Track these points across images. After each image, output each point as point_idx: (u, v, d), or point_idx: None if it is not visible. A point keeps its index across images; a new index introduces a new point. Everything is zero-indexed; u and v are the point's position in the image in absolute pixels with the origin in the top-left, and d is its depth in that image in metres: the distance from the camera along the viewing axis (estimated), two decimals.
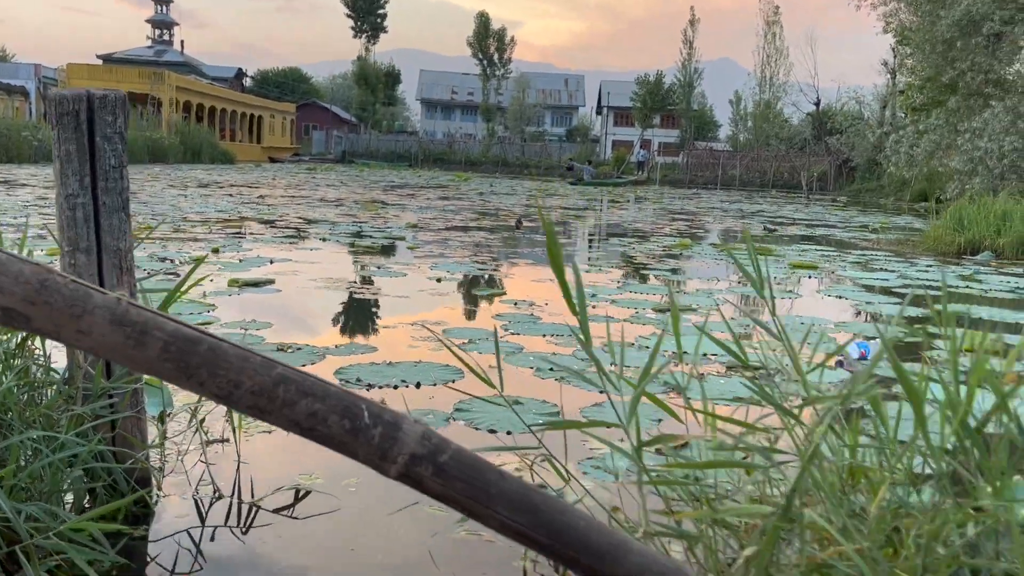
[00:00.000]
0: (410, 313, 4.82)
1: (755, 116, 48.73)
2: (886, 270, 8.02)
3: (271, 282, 5.57)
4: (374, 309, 5.06)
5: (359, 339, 4.12)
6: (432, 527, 2.00)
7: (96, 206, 1.79)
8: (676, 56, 50.39)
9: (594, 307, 5.13)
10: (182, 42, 65.03)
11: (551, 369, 3.48)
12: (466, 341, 4.01)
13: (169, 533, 1.95)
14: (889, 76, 36.90)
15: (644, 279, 6.73)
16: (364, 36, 59.85)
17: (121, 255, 1.86)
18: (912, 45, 23.08)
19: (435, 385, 3.25)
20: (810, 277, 7.32)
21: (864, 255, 9.50)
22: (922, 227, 13.57)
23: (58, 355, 2.08)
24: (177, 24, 65.22)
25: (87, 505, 1.92)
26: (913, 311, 5.52)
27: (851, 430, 1.55)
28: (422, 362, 3.57)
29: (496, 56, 57.01)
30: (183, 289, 2.17)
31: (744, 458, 1.59)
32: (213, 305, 4.61)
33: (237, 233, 8.80)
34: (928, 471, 1.46)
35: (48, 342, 1.95)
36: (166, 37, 64.50)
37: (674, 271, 7.44)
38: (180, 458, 2.34)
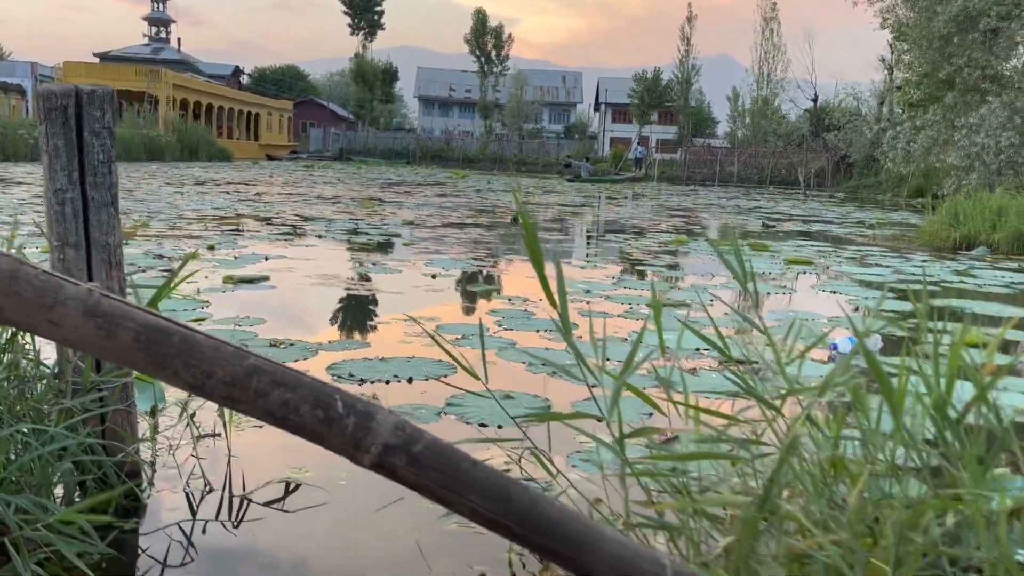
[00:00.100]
0: (404, 309, 4.83)
1: (753, 112, 48.74)
2: (881, 265, 8.04)
3: (266, 279, 5.58)
4: (368, 305, 5.07)
5: (352, 335, 4.13)
6: (422, 519, 2.02)
7: (85, 201, 1.80)
8: (674, 53, 50.40)
9: (588, 303, 5.14)
10: (179, 40, 64.97)
11: (543, 364, 3.49)
12: (459, 337, 4.02)
13: (160, 526, 1.96)
14: (886, 72, 36.94)
15: (640, 275, 6.75)
16: (361, 33, 59.79)
17: (110, 250, 1.87)
18: (909, 41, 23.09)
19: (427, 380, 3.27)
20: (805, 273, 7.33)
21: (860, 251, 9.52)
22: (918, 223, 13.58)
23: (48, 349, 2.09)
24: (174, 22, 65.12)
25: (77, 499, 1.93)
26: (909, 306, 5.53)
27: (835, 422, 1.56)
28: (415, 358, 3.58)
29: (494, 53, 56.97)
30: (173, 284, 2.18)
31: (730, 450, 1.61)
32: (207, 302, 4.62)
33: (233, 230, 8.81)
34: (910, 463, 1.48)
35: (39, 336, 1.96)
36: (163, 35, 64.41)
37: (670, 267, 7.45)
38: (171, 452, 2.35)
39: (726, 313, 4.86)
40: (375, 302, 5.13)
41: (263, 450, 2.48)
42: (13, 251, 2.01)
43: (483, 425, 2.75)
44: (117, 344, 0.85)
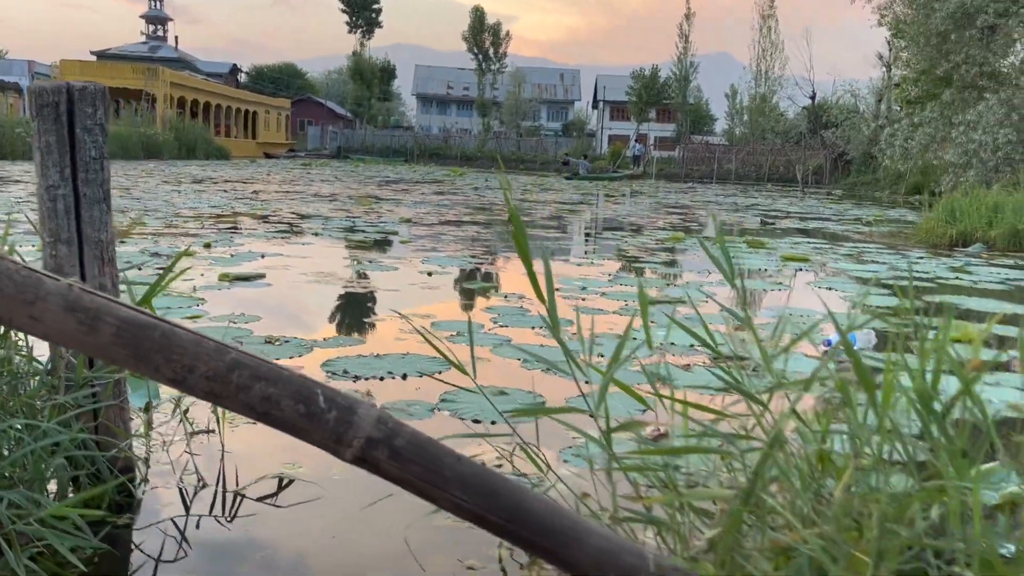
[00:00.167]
0: (400, 306, 4.84)
1: (751, 110, 48.76)
2: (877, 262, 8.06)
3: (262, 276, 5.59)
4: (364, 303, 5.08)
5: (348, 332, 4.14)
6: (414, 514, 2.02)
7: (77, 197, 1.81)
8: (673, 51, 50.41)
9: (583, 300, 5.16)
10: (176, 38, 64.94)
11: (537, 360, 3.50)
12: (453, 333, 4.03)
13: (154, 521, 1.97)
14: (884, 69, 36.95)
15: (637, 272, 6.76)
16: (359, 31, 59.69)
17: (103, 246, 1.88)
18: (907, 38, 23.11)
19: (421, 376, 3.28)
20: (801, 270, 7.35)
21: (856, 247, 9.54)
22: (915, 220, 13.60)
23: (42, 346, 2.09)
24: (171, 20, 65.05)
25: (71, 494, 1.94)
26: (907, 303, 5.55)
27: (824, 416, 1.57)
28: (409, 354, 3.59)
29: (491, 51, 56.90)
30: (165, 281, 2.19)
31: (720, 445, 1.62)
32: (203, 299, 4.63)
33: (230, 228, 8.81)
34: (897, 457, 1.49)
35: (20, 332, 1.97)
36: (160, 33, 64.34)
37: (668, 264, 7.46)
38: (165, 449, 2.36)
39: (723, 310, 4.87)
40: (371, 299, 5.15)
41: (257, 446, 2.49)
42: (5, 248, 2.02)
43: (476, 421, 2.76)
44: (98, 339, 0.85)
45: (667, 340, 3.97)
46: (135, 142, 28.84)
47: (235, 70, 66.22)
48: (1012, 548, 1.44)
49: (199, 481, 2.19)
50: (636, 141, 46.40)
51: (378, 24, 60.77)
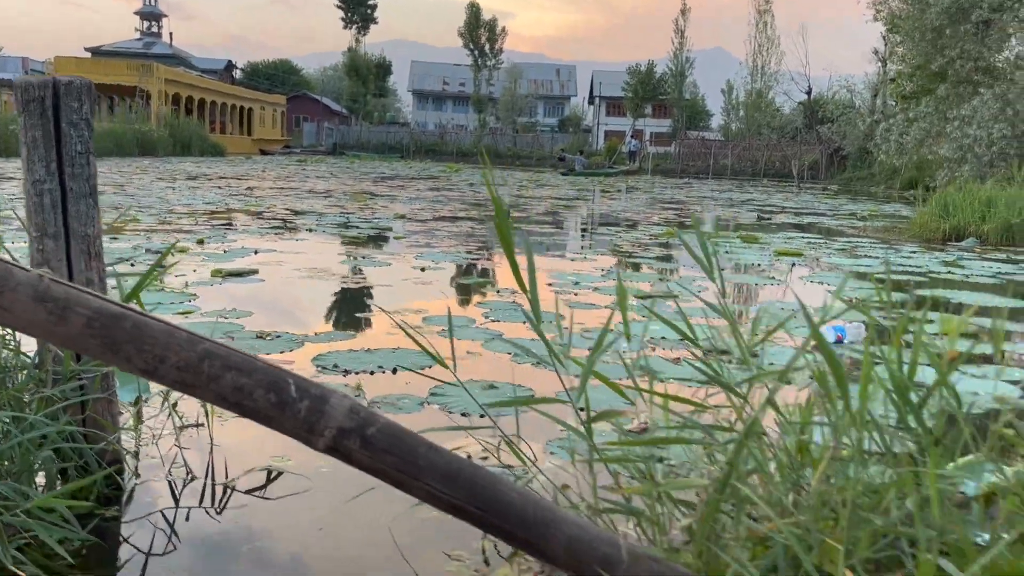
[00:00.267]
0: (392, 302, 4.85)
1: (747, 105, 48.78)
2: (870, 257, 8.08)
3: (255, 272, 5.59)
4: (356, 298, 5.09)
5: (339, 327, 4.15)
6: (401, 506, 2.04)
7: (63, 192, 1.82)
8: (670, 48, 50.41)
9: (576, 295, 5.18)
10: (171, 34, 64.73)
11: (527, 354, 3.52)
12: (444, 328, 4.05)
13: (143, 514, 1.98)
14: (880, 64, 36.96)
15: (631, 267, 6.77)
16: (354, 27, 59.52)
17: (89, 241, 1.89)
18: (902, 33, 23.13)
19: (411, 371, 3.29)
20: (795, 264, 7.37)
21: (850, 242, 9.56)
22: (910, 215, 13.64)
23: (30, 340, 2.11)
24: (166, 16, 64.84)
25: (59, 487, 1.95)
26: (896, 296, 5.57)
27: (804, 408, 1.59)
28: (400, 348, 3.60)
29: (487, 47, 56.80)
30: (154, 274, 2.20)
31: (704, 438, 1.63)
32: (195, 295, 4.64)
33: (223, 225, 8.81)
34: (875, 448, 1.51)
35: None
36: (155, 29, 64.14)
37: (663, 259, 7.48)
38: (155, 442, 2.37)
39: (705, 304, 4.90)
40: (363, 295, 5.16)
41: (246, 439, 2.50)
42: None
43: (465, 414, 2.78)
44: (69, 329, 0.87)
45: (657, 335, 3.99)
46: (130, 139, 28.77)
47: (230, 66, 66.10)
48: (987, 536, 1.46)
49: (188, 474, 2.20)
50: (632, 137, 46.42)
51: (374, 20, 60.62)
